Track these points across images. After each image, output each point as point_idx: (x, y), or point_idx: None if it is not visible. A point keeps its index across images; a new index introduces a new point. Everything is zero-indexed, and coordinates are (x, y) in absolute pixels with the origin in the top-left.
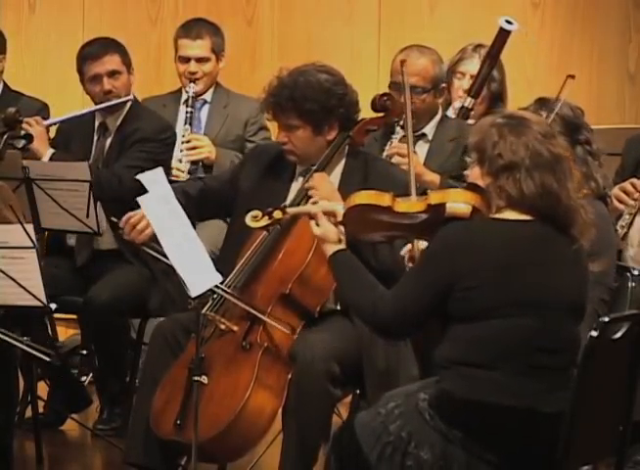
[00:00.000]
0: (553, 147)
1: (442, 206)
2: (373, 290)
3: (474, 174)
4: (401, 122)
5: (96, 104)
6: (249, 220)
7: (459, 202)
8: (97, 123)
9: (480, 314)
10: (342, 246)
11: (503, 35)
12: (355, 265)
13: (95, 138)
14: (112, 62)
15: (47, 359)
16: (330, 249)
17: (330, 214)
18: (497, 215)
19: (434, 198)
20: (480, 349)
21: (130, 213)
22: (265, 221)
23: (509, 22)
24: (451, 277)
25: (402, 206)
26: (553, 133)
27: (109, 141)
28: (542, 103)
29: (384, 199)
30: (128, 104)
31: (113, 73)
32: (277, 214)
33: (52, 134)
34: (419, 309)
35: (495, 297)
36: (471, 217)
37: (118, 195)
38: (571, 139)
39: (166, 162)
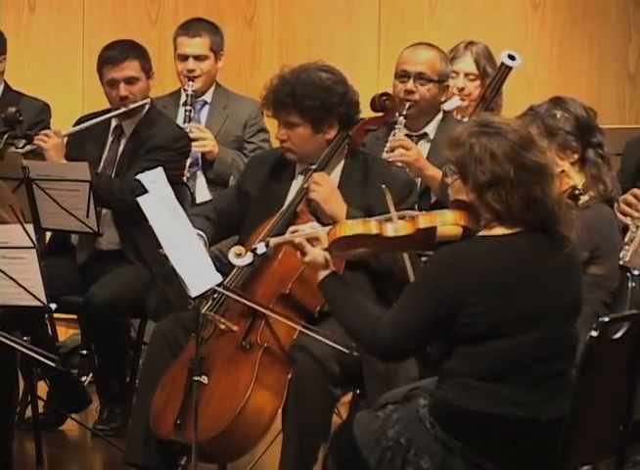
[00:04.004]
0: (533, 156)
1: (432, 229)
2: (368, 314)
3: (456, 188)
4: (404, 111)
5: (113, 106)
6: (232, 258)
7: (448, 224)
8: (113, 125)
9: (484, 335)
10: (330, 270)
11: (505, 70)
12: (346, 290)
13: (110, 140)
14: (130, 68)
15: (51, 364)
16: (319, 274)
17: (314, 240)
18: (487, 232)
19: (423, 222)
20: (486, 363)
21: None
22: (249, 258)
23: (512, 57)
24: (449, 303)
25: (390, 231)
26: (531, 139)
27: (123, 144)
28: (557, 102)
29: (370, 227)
30: (145, 108)
31: (129, 80)
32: (260, 249)
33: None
34: (418, 335)
35: (498, 318)
36: (463, 237)
37: (131, 204)
38: (582, 141)
39: (180, 170)
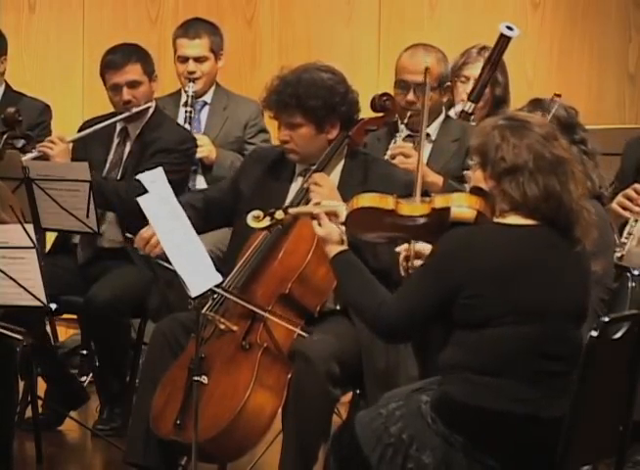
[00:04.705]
0: (555, 149)
1: (446, 210)
2: (375, 293)
3: (476, 177)
4: (405, 120)
5: (116, 110)
6: (250, 221)
7: (463, 206)
8: (118, 128)
9: (484, 322)
10: (344, 247)
11: (503, 41)
12: (358, 267)
13: (115, 142)
14: (132, 72)
15: (18, 337)
16: (332, 250)
17: (332, 215)
18: (501, 220)
19: (439, 202)
20: (484, 355)
21: (142, 230)
22: (267, 222)
23: (509, 27)
24: (455, 284)
25: (406, 208)
26: (555, 135)
27: (128, 147)
28: (536, 104)
29: (387, 202)
30: (150, 110)
31: (132, 84)
32: (279, 215)
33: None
34: (422, 314)
35: (499, 305)
36: (475, 222)
37: (138, 207)
38: (566, 140)
39: (187, 172)
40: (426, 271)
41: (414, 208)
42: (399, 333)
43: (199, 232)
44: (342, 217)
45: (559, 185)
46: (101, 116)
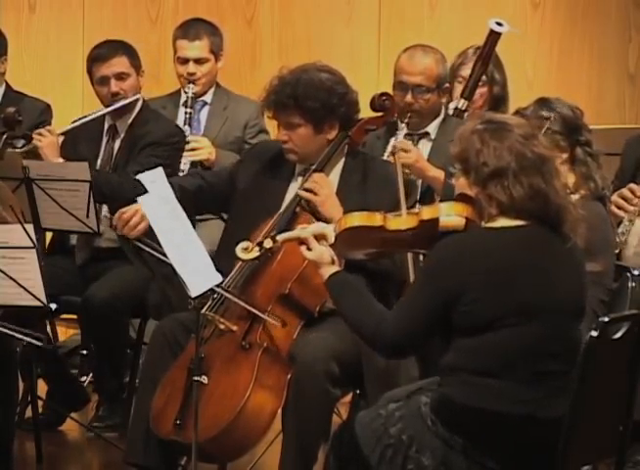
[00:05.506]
0: (536, 148)
1: (435, 220)
2: (373, 311)
3: (460, 185)
4: (405, 120)
5: (105, 105)
6: (239, 252)
7: (451, 215)
8: (107, 126)
9: (483, 326)
10: (337, 267)
11: (493, 37)
12: (353, 286)
13: (104, 140)
14: (119, 64)
15: (39, 344)
16: (325, 272)
17: (320, 237)
18: (490, 224)
19: (426, 213)
20: (485, 358)
21: (123, 209)
22: (256, 252)
23: (499, 23)
24: (451, 295)
25: (394, 223)
26: (534, 133)
27: (118, 143)
28: (542, 103)
29: (375, 219)
30: (138, 106)
31: (120, 76)
32: (267, 243)
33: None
34: (420, 330)
35: (498, 308)
36: (465, 229)
37: (130, 199)
38: (570, 140)
39: (176, 165)
40: (421, 283)
41: (402, 221)
42: (401, 350)
43: (187, 215)
44: (331, 239)
45: (544, 183)
46: (89, 113)
